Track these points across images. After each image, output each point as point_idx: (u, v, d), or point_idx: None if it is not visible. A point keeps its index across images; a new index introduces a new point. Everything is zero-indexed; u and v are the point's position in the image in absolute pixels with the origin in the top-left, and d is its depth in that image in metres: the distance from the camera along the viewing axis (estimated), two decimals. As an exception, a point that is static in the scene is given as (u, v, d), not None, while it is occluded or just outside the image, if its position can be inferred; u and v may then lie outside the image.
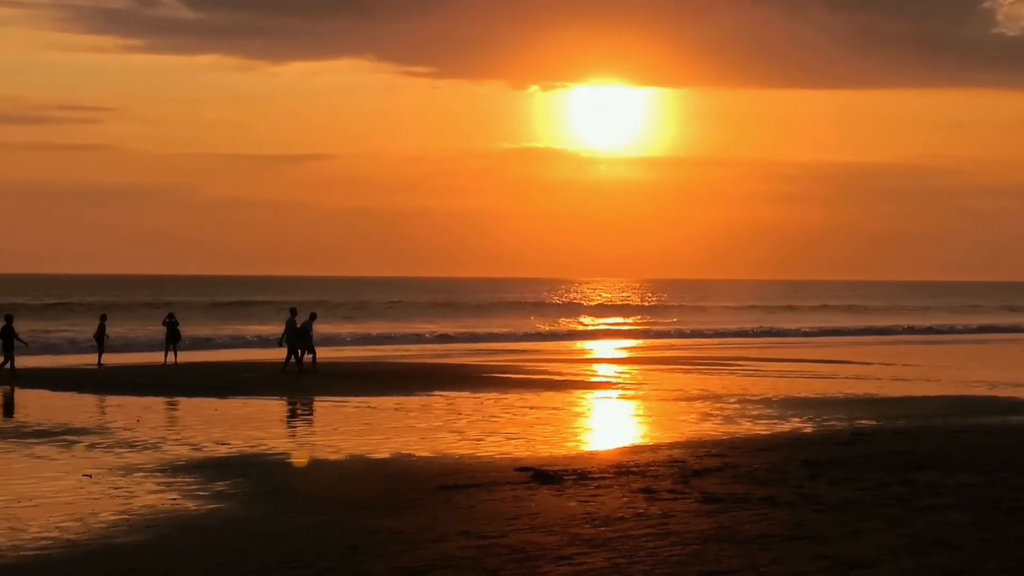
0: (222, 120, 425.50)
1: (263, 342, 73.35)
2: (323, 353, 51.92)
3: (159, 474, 22.29)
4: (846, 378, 48.46)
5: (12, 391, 40.60)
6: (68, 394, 40.13)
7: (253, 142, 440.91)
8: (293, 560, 14.29)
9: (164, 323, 54.66)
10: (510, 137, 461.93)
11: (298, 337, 47.87)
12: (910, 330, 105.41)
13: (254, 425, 30.72)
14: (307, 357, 47.99)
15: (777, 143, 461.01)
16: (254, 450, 25.82)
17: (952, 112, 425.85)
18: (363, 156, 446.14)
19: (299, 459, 24.84)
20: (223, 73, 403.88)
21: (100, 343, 53.41)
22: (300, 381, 43.86)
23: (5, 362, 46.14)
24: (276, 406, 35.94)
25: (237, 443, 26.96)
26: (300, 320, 48.22)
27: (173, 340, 53.52)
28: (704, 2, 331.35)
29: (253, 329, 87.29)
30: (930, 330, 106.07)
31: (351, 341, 79.25)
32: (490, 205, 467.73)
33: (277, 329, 59.74)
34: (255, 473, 22.40)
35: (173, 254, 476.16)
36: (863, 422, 30.69)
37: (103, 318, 54.78)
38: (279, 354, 49.63)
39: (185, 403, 37.28)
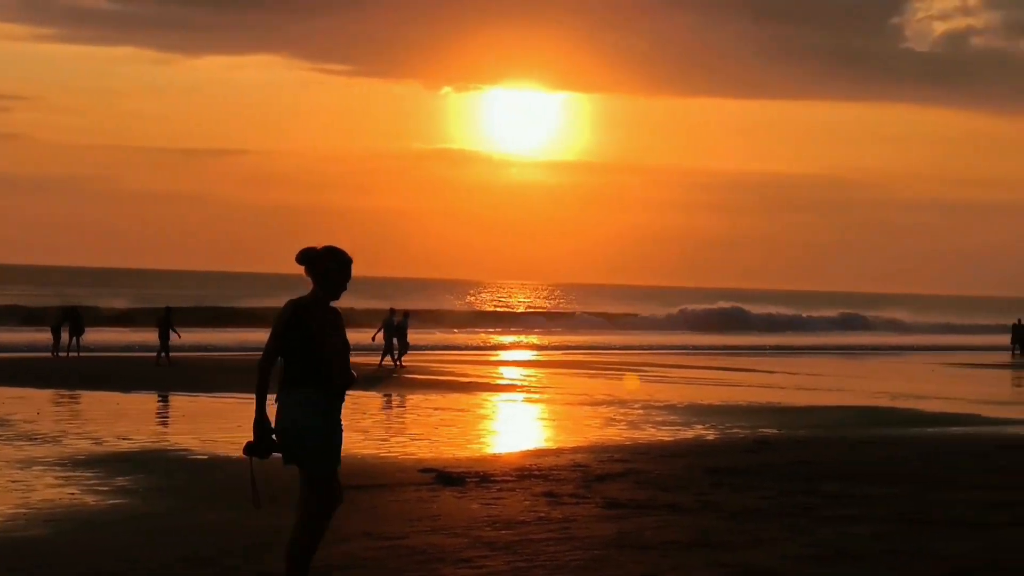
0: (137, 112, 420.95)
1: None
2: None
3: (58, 468, 22.04)
4: (751, 386, 48.76)
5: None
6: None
7: (169, 135, 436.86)
8: (196, 556, 14.18)
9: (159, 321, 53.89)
10: (424, 138, 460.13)
11: (394, 334, 53.60)
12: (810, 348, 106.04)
13: (158, 421, 30.49)
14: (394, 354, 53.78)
15: (692, 151, 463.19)
16: (156, 446, 25.60)
17: (871, 125, 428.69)
18: (277, 153, 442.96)
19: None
20: (139, 65, 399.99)
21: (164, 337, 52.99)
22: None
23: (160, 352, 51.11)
24: (181, 402, 35.70)
25: (139, 438, 26.72)
26: (396, 319, 54.24)
27: (164, 336, 52.68)
28: (622, 8, 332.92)
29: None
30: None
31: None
32: (404, 205, 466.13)
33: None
34: (157, 469, 22.20)
35: (86, 246, 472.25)
36: (766, 430, 30.89)
37: (167, 311, 55.06)
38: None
39: (88, 397, 37.02)
